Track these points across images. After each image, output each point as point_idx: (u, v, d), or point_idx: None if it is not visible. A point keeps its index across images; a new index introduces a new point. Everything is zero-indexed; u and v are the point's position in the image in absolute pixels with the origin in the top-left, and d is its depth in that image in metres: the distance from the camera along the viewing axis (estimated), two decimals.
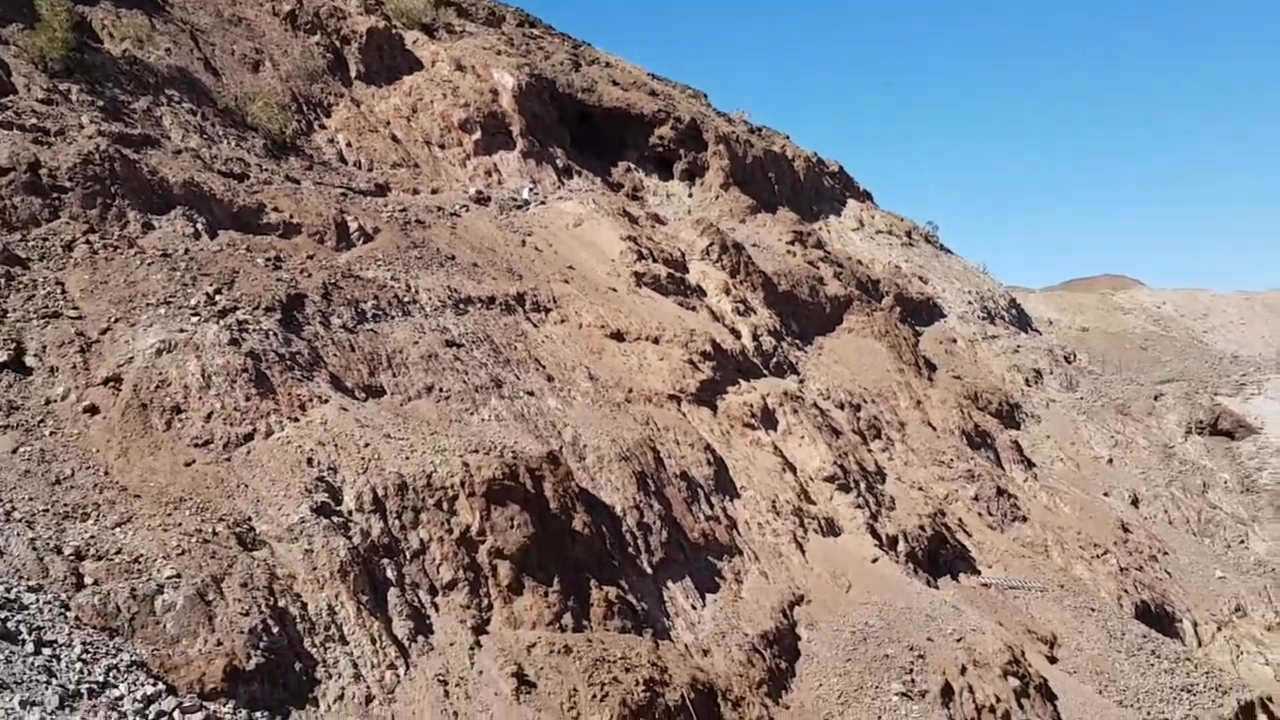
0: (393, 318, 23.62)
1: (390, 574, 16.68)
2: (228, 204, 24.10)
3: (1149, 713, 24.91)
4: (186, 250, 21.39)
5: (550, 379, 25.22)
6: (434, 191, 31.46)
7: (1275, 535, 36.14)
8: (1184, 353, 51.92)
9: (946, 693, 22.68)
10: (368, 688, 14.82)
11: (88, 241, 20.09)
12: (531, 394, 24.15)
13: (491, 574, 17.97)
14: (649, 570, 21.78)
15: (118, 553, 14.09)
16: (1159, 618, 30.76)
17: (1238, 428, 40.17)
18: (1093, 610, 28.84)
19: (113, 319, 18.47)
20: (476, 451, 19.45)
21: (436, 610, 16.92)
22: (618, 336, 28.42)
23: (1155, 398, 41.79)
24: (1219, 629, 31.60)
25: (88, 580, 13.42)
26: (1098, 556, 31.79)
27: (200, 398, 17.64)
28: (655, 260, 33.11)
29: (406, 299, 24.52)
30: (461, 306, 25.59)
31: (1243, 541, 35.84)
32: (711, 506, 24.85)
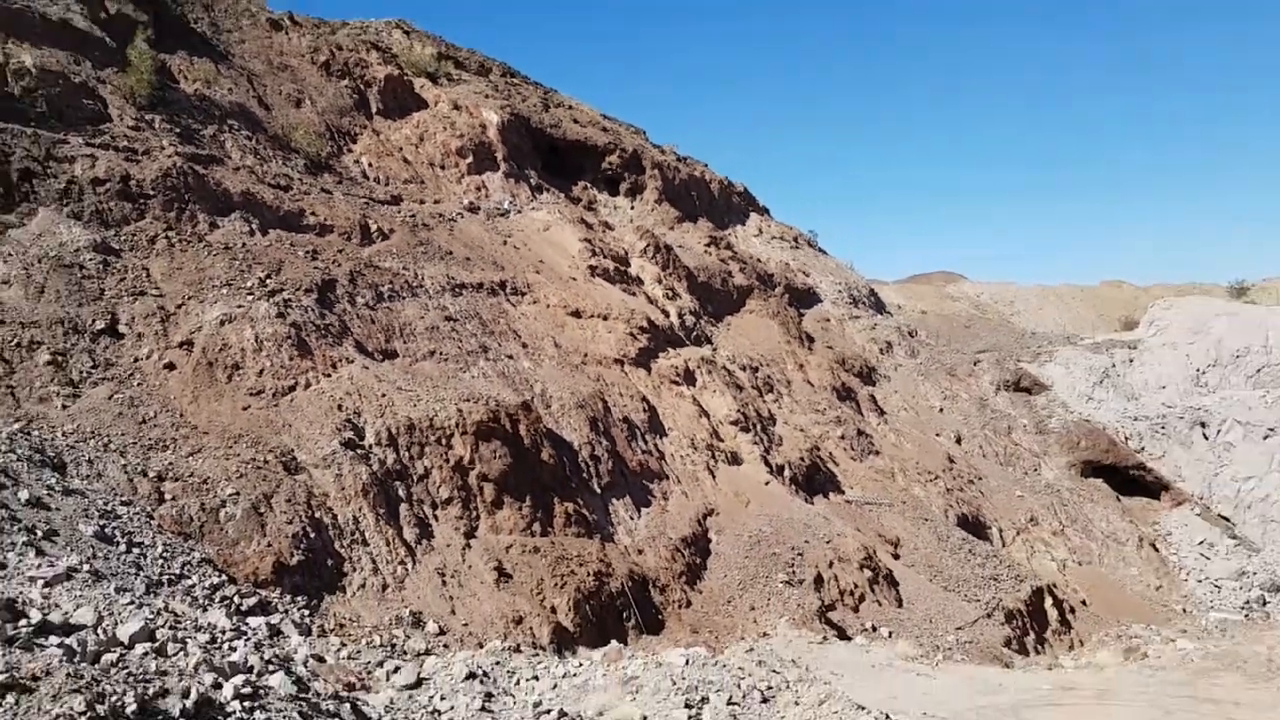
0: (404, 298, 23.35)
1: (401, 493, 16.59)
2: (276, 209, 23.62)
3: (966, 596, 25.41)
4: (244, 244, 20.99)
5: (525, 346, 25.09)
6: (436, 202, 31.04)
7: (1059, 465, 36.81)
8: (996, 330, 52.69)
9: (818, 581, 23.00)
10: (383, 579, 14.76)
11: (167, 237, 19.66)
12: (510, 357, 24.01)
13: (479, 493, 17.92)
14: (598, 491, 21.82)
15: (190, 475, 13.89)
16: (975, 526, 31.30)
17: (1034, 385, 40.74)
18: (926, 520, 29.30)
19: (186, 296, 18.12)
20: (468, 400, 19.34)
21: (436, 520, 16.86)
22: (576, 314, 28.30)
23: (974, 363, 42.21)
24: (1018, 534, 32.15)
25: (167, 496, 13.23)
26: (930, 480, 32.24)
27: (254, 358, 17.37)
28: (605, 257, 32.95)
29: (415, 284, 24.24)
30: (457, 290, 25.35)
31: (1036, 470, 36.46)
32: (646, 443, 24.91)
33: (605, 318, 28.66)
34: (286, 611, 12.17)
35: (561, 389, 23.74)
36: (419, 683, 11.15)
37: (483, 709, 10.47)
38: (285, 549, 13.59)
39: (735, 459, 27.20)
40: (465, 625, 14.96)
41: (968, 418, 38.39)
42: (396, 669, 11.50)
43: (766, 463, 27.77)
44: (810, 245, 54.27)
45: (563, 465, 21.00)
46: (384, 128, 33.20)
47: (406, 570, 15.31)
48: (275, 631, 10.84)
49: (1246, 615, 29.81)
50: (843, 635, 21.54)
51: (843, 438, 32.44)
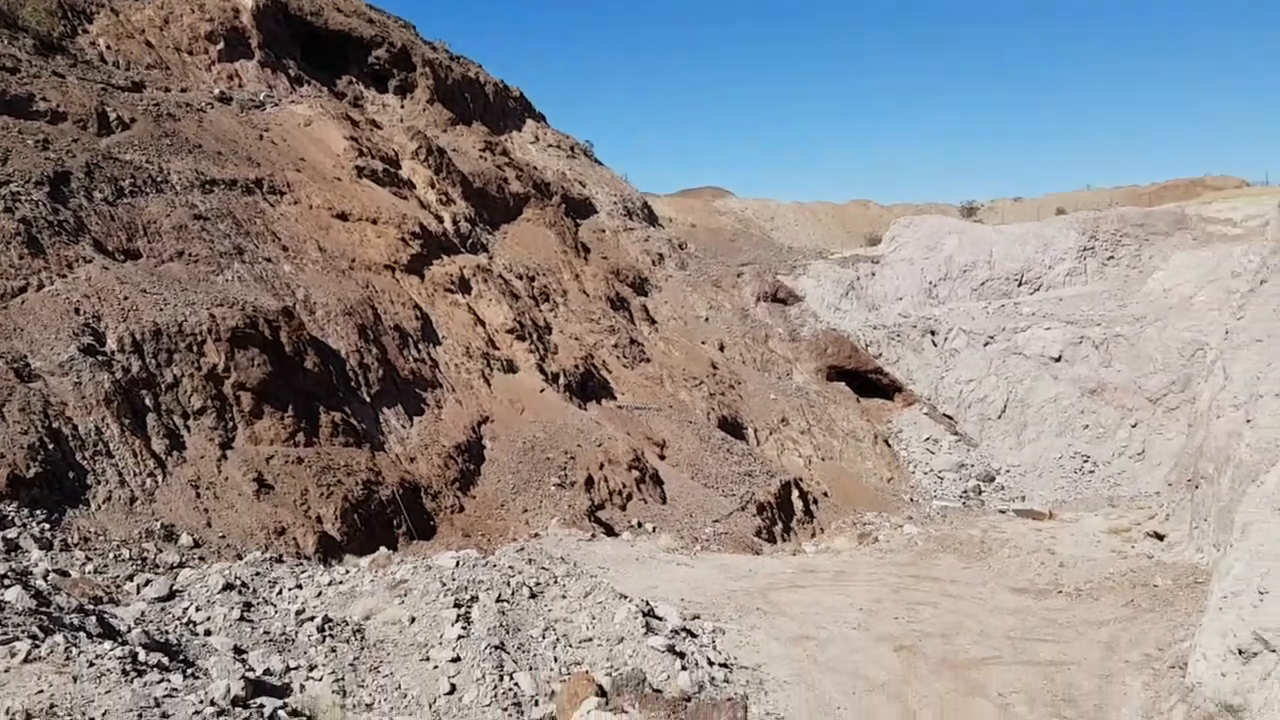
0: (148, 194, 21.48)
1: (149, 402, 15.60)
2: (2, 93, 20.92)
3: (723, 491, 27.12)
4: None
5: (285, 249, 23.86)
6: (183, 90, 28.46)
7: (809, 370, 39.52)
8: (758, 245, 55.11)
9: (589, 482, 23.85)
10: (131, 491, 13.95)
11: None
12: (269, 260, 22.80)
13: (235, 403, 17.15)
14: (368, 400, 21.42)
15: None
16: (734, 427, 33.22)
17: (789, 297, 43.14)
18: (691, 423, 30.81)
19: None
20: (222, 305, 18.29)
21: (189, 431, 16.02)
22: (342, 217, 27.15)
23: (738, 275, 44.08)
24: (771, 433, 34.42)
25: None
26: (695, 386, 33.82)
27: None
28: (373, 158, 31.59)
29: (159, 179, 22.32)
30: (208, 187, 23.58)
31: (789, 375, 39.00)
32: (419, 351, 24.59)
33: (374, 221, 27.70)
34: (24, 525, 11.32)
35: (327, 295, 22.88)
36: (172, 595, 10.77)
37: (241, 619, 10.28)
38: (21, 460, 12.53)
39: (511, 367, 27.40)
40: (223, 538, 14.46)
41: (730, 327, 40.34)
42: (147, 582, 11.03)
43: (542, 370, 28.16)
44: (586, 155, 54.36)
45: (329, 374, 20.41)
46: (124, 7, 29.86)
47: (156, 482, 14.52)
48: (13, 546, 10.10)
49: (964, 503, 33.55)
50: (610, 532, 22.56)
51: (616, 346, 33.31)
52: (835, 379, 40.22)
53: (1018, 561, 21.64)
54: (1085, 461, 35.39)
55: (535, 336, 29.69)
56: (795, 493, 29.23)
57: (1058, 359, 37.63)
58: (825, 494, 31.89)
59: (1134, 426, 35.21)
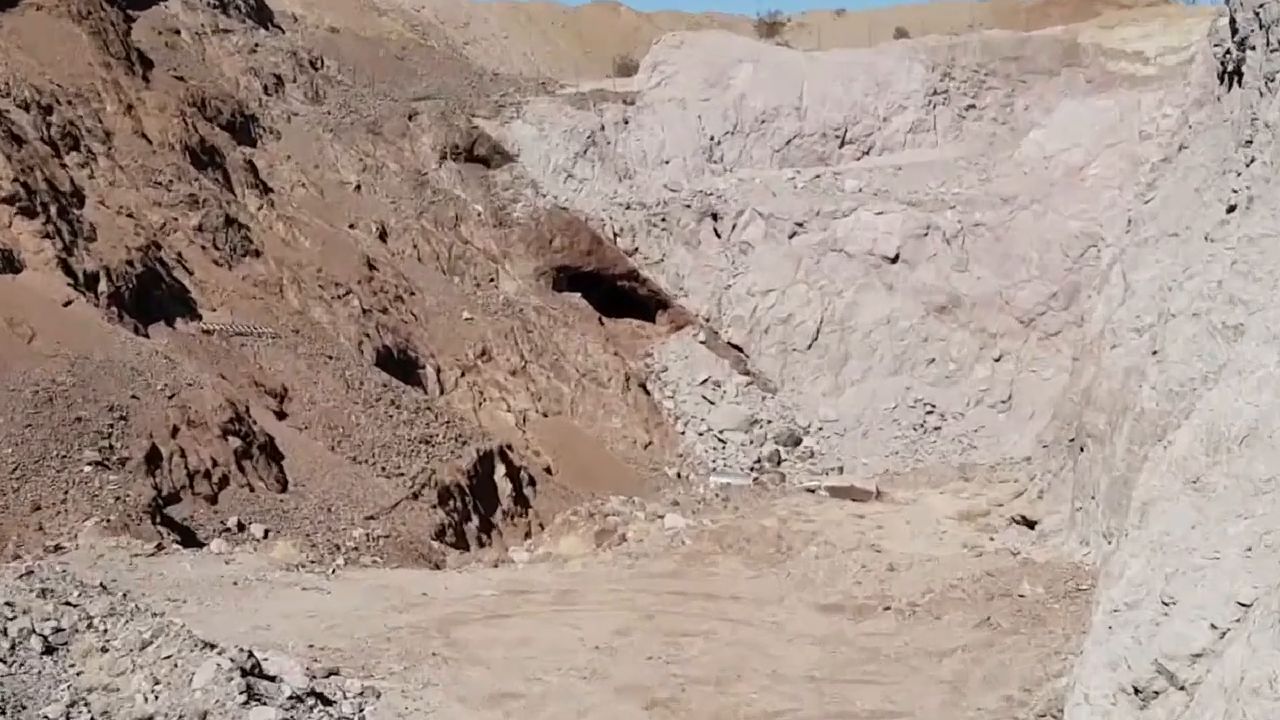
0: None
1: None
2: None
3: (384, 469, 26.94)
4: None
5: None
6: None
7: (525, 273, 39.69)
8: (442, 65, 54.10)
9: (153, 459, 22.94)
10: None
11: None
12: None
13: None
14: None
15: None
16: (402, 364, 32.96)
17: (494, 154, 42.84)
18: (331, 358, 30.25)
19: None
20: None
21: None
22: None
23: (410, 117, 43.27)
24: (463, 374, 34.41)
25: None
26: (339, 297, 33.14)
27: None
28: None
29: None
30: None
31: (493, 280, 39.03)
32: None
33: None
34: None
35: None
36: None
37: None
38: None
39: (11, 263, 25.78)
40: None
41: (398, 201, 39.78)
42: None
43: (68, 269, 26.79)
44: None
45: None
46: None
47: None
48: None
49: (756, 478, 35.26)
50: (191, 540, 21.92)
51: (200, 229, 32.09)
52: (566, 287, 40.88)
53: (829, 565, 23.04)
54: (930, 412, 38.13)
55: (55, 210, 28.07)
56: (501, 469, 29.63)
57: (894, 259, 39.99)
58: (548, 469, 32.51)
59: (997, 360, 38.24)
